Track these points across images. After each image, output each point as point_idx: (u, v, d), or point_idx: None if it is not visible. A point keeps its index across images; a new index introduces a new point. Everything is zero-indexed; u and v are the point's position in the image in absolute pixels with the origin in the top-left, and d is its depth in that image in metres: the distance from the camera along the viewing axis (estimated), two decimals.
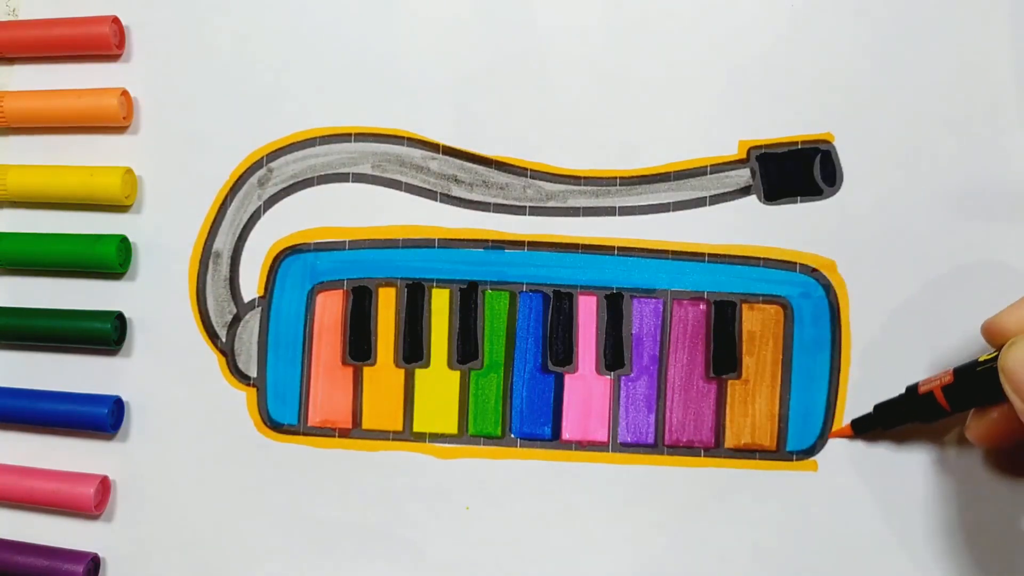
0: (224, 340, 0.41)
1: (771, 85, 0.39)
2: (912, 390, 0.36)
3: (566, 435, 0.40)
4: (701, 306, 0.39)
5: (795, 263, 0.39)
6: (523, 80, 0.40)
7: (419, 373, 0.40)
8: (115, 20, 0.42)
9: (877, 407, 0.37)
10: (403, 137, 0.41)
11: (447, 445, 0.40)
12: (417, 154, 0.41)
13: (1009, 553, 0.37)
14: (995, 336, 0.32)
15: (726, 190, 0.39)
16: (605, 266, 0.40)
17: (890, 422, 0.37)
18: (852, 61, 0.38)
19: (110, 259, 0.41)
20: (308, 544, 0.41)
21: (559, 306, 0.40)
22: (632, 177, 0.40)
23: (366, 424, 0.41)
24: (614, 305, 0.40)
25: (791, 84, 0.39)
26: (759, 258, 0.39)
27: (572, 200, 0.40)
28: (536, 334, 0.40)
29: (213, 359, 0.41)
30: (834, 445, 0.38)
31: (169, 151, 0.42)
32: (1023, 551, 0.37)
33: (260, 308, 0.41)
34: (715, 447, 0.39)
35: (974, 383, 0.33)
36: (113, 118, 0.42)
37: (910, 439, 0.37)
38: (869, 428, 0.37)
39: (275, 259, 0.41)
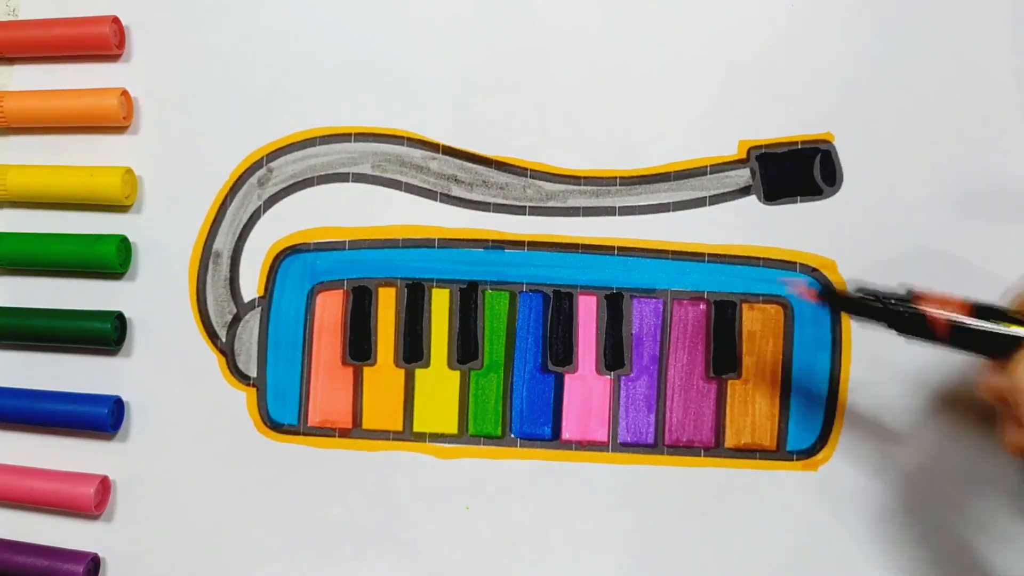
0: (224, 340, 0.41)
1: (771, 85, 0.39)
2: (907, 299, 0.32)
3: (566, 435, 0.40)
4: (701, 306, 0.39)
5: (795, 263, 0.39)
6: (523, 80, 0.40)
7: (419, 373, 0.40)
8: (115, 20, 0.42)
9: (861, 290, 0.33)
10: (403, 137, 0.41)
11: (447, 445, 0.40)
12: (417, 154, 0.41)
13: (1006, 552, 0.37)
14: None
15: (726, 190, 0.39)
16: (605, 266, 0.40)
17: (866, 312, 0.33)
18: (852, 61, 0.38)
19: (110, 259, 0.41)
20: (308, 544, 0.41)
21: (559, 306, 0.40)
22: (632, 177, 0.40)
23: (366, 424, 0.40)
24: (614, 305, 0.40)
25: (791, 84, 0.39)
26: (759, 258, 0.39)
27: (572, 200, 0.40)
28: (536, 334, 0.40)
29: (213, 359, 0.41)
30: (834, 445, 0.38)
31: (169, 151, 0.42)
32: (1017, 551, 0.37)
33: (260, 308, 0.41)
34: (715, 447, 0.39)
35: (987, 335, 0.31)
36: (113, 118, 0.42)
37: (910, 440, 0.38)
38: (840, 305, 0.35)
39: (275, 259, 0.41)
